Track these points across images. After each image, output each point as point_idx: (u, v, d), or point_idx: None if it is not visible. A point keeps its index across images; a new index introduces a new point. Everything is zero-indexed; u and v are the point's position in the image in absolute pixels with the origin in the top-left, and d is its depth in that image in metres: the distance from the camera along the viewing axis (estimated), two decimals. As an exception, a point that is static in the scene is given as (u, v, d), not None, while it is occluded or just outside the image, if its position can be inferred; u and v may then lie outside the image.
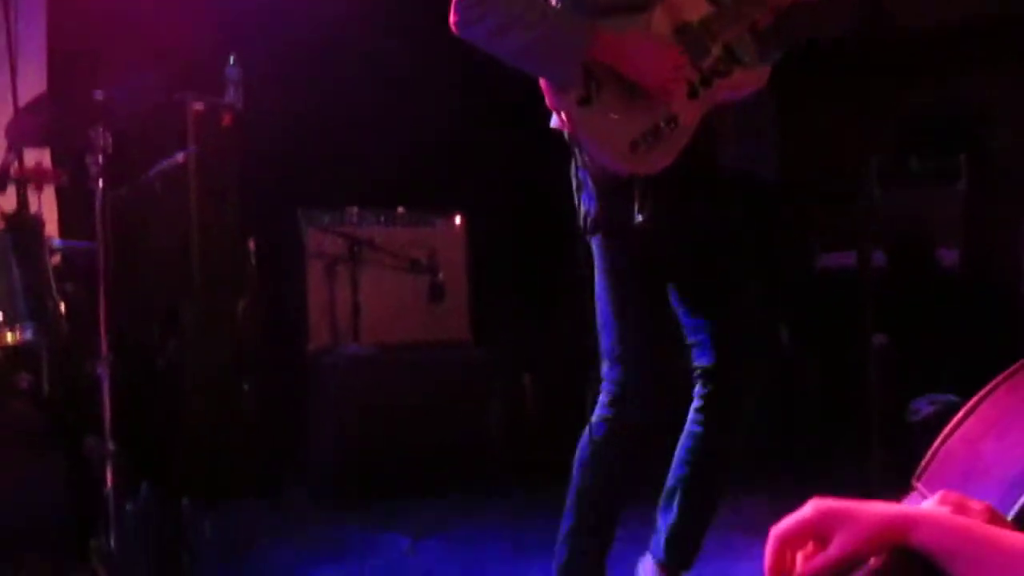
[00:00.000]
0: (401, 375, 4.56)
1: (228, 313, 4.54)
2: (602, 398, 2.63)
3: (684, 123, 2.45)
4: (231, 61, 4.39)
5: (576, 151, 2.49)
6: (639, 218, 2.40)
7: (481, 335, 4.92)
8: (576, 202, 2.56)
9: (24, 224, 3.21)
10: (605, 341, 2.59)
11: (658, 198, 2.42)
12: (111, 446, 3.24)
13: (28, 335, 3.13)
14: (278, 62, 4.58)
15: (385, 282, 4.79)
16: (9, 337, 3.09)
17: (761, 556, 3.64)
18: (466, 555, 3.60)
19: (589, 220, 2.51)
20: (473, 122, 5.13)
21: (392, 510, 4.15)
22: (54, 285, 3.22)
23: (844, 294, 5.24)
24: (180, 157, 3.84)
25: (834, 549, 1.10)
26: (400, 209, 4.92)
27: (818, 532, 1.12)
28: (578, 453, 2.64)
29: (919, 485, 1.24)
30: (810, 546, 1.15)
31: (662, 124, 2.43)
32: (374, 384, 4.51)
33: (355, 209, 4.85)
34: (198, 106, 4.48)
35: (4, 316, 3.07)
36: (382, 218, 4.86)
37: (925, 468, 1.25)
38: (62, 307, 3.21)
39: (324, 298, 4.72)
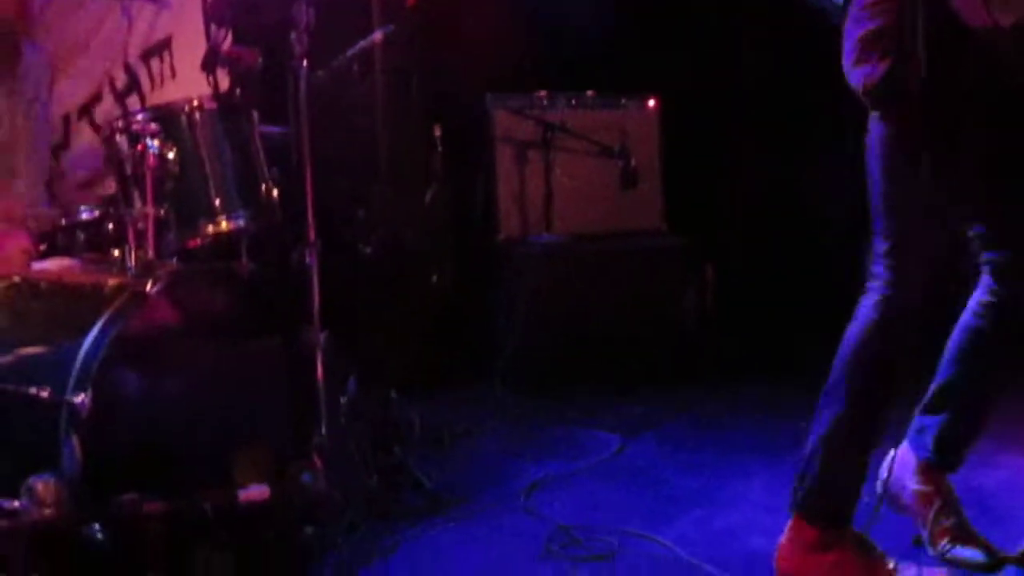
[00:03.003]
0: (593, 265, 4.43)
1: (416, 201, 4.43)
2: (871, 283, 2.42)
3: None
4: (418, -63, 4.21)
5: (878, 11, 2.27)
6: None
7: (675, 223, 4.72)
8: (850, 71, 2.34)
9: (236, 107, 3.10)
10: (880, 223, 2.36)
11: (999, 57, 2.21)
12: (321, 337, 3.19)
13: (241, 222, 3.05)
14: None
15: (575, 168, 4.61)
16: (224, 224, 3.02)
17: (1010, 465, 3.30)
18: (680, 455, 3.48)
19: (880, 87, 2.28)
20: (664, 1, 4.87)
21: (590, 402, 4.06)
22: (266, 171, 3.13)
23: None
24: (378, 35, 3.68)
25: None
26: (590, 92, 4.70)
27: None
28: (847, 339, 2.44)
29: None
30: None
31: None
32: (566, 274, 4.38)
33: (544, 93, 4.65)
34: (382, -15, 4.33)
35: (220, 203, 3.00)
36: (572, 101, 4.66)
37: None
38: (275, 193, 3.12)
39: (514, 185, 4.56)
